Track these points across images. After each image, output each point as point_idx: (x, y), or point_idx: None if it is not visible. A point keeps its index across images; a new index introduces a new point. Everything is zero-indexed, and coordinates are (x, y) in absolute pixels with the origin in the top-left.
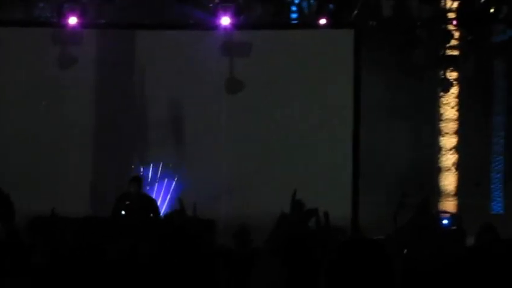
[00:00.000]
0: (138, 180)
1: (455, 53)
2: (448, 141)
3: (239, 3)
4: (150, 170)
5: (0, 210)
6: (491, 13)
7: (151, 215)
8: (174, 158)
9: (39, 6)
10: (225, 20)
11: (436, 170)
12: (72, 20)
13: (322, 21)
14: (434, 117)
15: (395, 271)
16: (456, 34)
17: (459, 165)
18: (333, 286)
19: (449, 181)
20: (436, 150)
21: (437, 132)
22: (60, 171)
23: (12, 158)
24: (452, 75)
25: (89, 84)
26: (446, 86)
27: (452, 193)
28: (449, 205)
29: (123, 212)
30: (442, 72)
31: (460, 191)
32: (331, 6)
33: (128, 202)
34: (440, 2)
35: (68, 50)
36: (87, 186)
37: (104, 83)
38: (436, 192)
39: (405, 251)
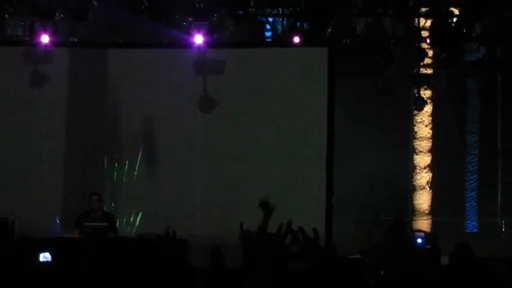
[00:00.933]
0: (99, 195)
1: (429, 71)
2: (422, 159)
3: (212, 22)
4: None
5: None
6: (464, 32)
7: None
8: (147, 176)
9: (11, 25)
10: (199, 39)
11: (410, 189)
12: (45, 39)
13: (296, 39)
14: (408, 135)
15: None
16: (430, 52)
17: (433, 184)
18: None
19: (423, 199)
20: (410, 168)
21: (412, 151)
22: (30, 191)
23: None
24: (426, 93)
25: (60, 102)
26: (420, 104)
27: (427, 212)
28: (423, 224)
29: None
30: (416, 90)
31: (435, 210)
32: (304, 24)
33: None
34: (414, 21)
35: (39, 69)
36: (58, 206)
37: (75, 102)
38: (410, 211)
39: (382, 272)
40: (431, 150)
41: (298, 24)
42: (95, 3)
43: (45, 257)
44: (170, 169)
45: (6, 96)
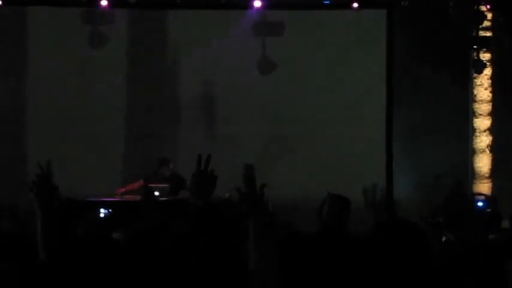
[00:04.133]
0: (167, 162)
1: (488, 34)
2: (482, 123)
3: None
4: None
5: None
6: None
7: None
8: (205, 137)
9: None
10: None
11: (470, 152)
12: (104, 2)
13: (355, 5)
14: (467, 98)
15: (433, 254)
16: (489, 15)
17: (493, 147)
18: (371, 266)
19: (483, 163)
20: (470, 131)
21: (471, 114)
22: (93, 151)
23: (44, 137)
24: (485, 56)
25: (120, 63)
26: (480, 67)
27: (487, 175)
28: (483, 187)
29: (156, 193)
30: (475, 53)
31: (495, 173)
32: None
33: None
34: None
35: (98, 29)
36: (120, 164)
37: (135, 63)
38: (471, 174)
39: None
40: (491, 113)
41: None
42: None
43: (105, 212)
44: (229, 131)
45: (66, 57)
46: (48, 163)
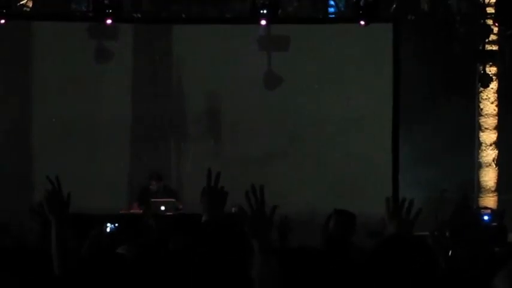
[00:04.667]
0: (157, 176)
1: (494, 48)
2: (488, 136)
3: None
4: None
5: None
6: None
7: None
8: (210, 151)
9: (75, 0)
10: (263, 14)
11: (476, 166)
12: (108, 21)
13: (362, 22)
14: (474, 112)
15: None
16: (495, 29)
17: (499, 161)
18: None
19: (489, 177)
20: (476, 145)
21: (477, 128)
22: (97, 165)
23: (49, 151)
24: (491, 70)
25: (125, 78)
26: (486, 81)
27: (493, 189)
28: (489, 201)
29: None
30: (481, 67)
31: (501, 187)
32: (369, 0)
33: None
34: None
35: (104, 44)
36: (124, 179)
37: (140, 77)
38: (477, 188)
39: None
40: (497, 127)
41: (362, 1)
42: None
43: (111, 227)
44: (235, 145)
45: (71, 71)
46: (57, 177)
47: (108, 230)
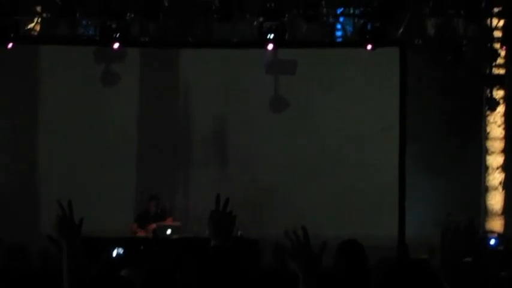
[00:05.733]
0: (155, 198)
1: (502, 71)
2: (495, 160)
3: (283, 22)
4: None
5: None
6: None
7: None
8: (216, 173)
9: (82, 25)
10: (270, 38)
11: (483, 189)
12: (116, 45)
13: (368, 47)
14: (480, 135)
15: None
16: (502, 53)
17: (506, 184)
18: None
19: (496, 200)
20: (483, 169)
21: (484, 151)
22: (105, 188)
23: (56, 175)
24: (498, 93)
25: (132, 101)
26: (493, 104)
27: (499, 212)
28: (496, 224)
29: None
30: (488, 90)
31: (507, 210)
32: (376, 25)
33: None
34: (486, 21)
35: (111, 68)
36: (131, 205)
37: (147, 101)
38: (483, 211)
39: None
40: (504, 151)
41: (369, 25)
42: (166, 3)
43: (118, 252)
44: (242, 168)
45: (78, 95)
46: (70, 202)
47: (114, 254)
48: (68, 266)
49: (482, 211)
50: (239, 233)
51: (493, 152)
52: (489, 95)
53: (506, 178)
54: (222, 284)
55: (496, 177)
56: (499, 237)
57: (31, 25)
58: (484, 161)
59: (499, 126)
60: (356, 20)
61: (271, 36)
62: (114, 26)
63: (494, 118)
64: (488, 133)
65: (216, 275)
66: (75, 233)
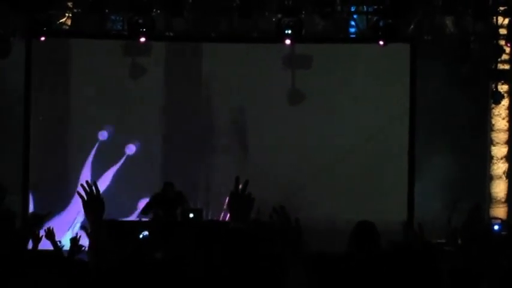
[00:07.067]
0: (170, 185)
1: (506, 67)
2: (499, 150)
3: (300, 18)
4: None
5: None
6: None
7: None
8: (238, 165)
9: (111, 20)
10: (287, 34)
11: (488, 178)
12: (142, 39)
13: (381, 42)
14: (486, 127)
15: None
16: (507, 49)
17: (509, 174)
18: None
19: (500, 188)
20: (488, 158)
21: (489, 142)
22: (130, 176)
23: (84, 164)
24: (503, 87)
25: (157, 94)
26: (498, 98)
27: (503, 200)
28: (500, 211)
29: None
30: (493, 85)
31: (510, 198)
32: (388, 21)
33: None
34: (493, 19)
35: (138, 61)
36: (157, 189)
37: (171, 93)
38: (488, 199)
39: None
40: (508, 142)
41: (381, 22)
42: (190, 0)
43: (144, 234)
44: (260, 157)
45: (107, 86)
46: (95, 183)
47: (141, 236)
48: (91, 243)
49: (487, 199)
50: (258, 216)
51: (497, 143)
52: (494, 89)
53: (509, 168)
54: (239, 266)
55: (500, 167)
56: (503, 223)
57: (63, 20)
58: (489, 151)
59: (503, 118)
60: (369, 17)
61: (289, 31)
62: (141, 21)
63: (499, 111)
64: (493, 125)
65: (234, 257)
66: (100, 212)
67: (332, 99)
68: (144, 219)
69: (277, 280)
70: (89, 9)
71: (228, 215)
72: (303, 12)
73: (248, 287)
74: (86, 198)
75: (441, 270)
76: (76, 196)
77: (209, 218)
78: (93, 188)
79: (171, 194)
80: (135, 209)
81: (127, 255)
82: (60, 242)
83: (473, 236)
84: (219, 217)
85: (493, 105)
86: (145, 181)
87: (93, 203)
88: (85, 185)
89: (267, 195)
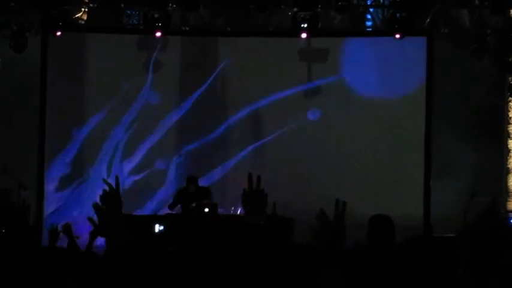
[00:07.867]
0: (193, 179)
1: None
2: None
3: (316, 12)
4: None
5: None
6: None
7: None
8: (253, 158)
9: (127, 14)
10: (303, 27)
11: (504, 171)
12: (158, 32)
13: (397, 36)
14: (502, 121)
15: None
16: None
17: None
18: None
19: None
20: (504, 152)
21: (506, 135)
22: (145, 171)
23: (100, 156)
24: None
25: (173, 88)
26: None
27: None
28: None
29: (206, 210)
30: (510, 78)
31: None
32: (404, 14)
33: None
34: (509, 12)
35: (154, 55)
36: (173, 183)
37: (187, 86)
38: (504, 193)
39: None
40: None
41: (398, 14)
42: None
43: (159, 228)
44: (276, 150)
45: (122, 80)
46: (116, 178)
47: (156, 230)
48: (109, 236)
49: (504, 192)
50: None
51: None
52: (511, 82)
53: None
54: (254, 260)
55: None
56: None
57: (78, 14)
58: (506, 144)
59: None
60: (385, 10)
61: (305, 25)
62: (156, 15)
63: None
64: (510, 118)
65: (249, 251)
66: (119, 208)
67: (347, 92)
68: (167, 212)
69: (296, 275)
70: (105, 3)
71: (242, 210)
72: (319, 5)
73: (264, 281)
74: (108, 190)
75: (457, 263)
76: (91, 191)
77: (223, 213)
78: (115, 183)
79: (193, 188)
80: (156, 202)
81: (142, 249)
82: (77, 237)
83: (489, 228)
84: (235, 212)
85: (510, 98)
86: (161, 173)
87: (111, 198)
88: (108, 180)
89: (283, 186)
